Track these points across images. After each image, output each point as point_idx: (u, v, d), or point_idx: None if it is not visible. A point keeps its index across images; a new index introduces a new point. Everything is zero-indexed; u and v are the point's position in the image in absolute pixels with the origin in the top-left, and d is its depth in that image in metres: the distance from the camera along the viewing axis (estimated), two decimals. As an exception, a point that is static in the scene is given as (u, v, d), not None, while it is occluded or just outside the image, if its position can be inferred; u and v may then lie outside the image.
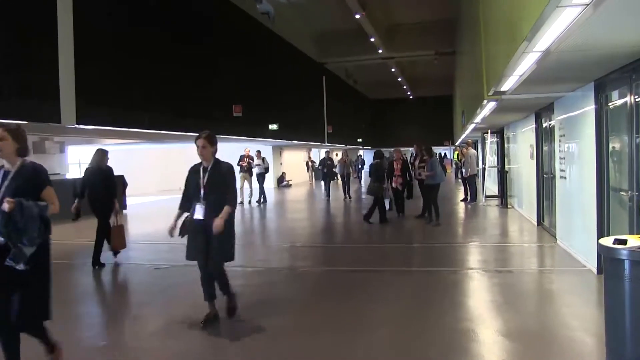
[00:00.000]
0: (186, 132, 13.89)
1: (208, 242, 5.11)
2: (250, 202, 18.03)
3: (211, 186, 5.10)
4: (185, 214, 5.26)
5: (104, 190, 8.13)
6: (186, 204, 5.27)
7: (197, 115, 14.24)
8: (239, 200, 14.82)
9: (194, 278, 7.81)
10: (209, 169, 5.22)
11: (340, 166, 19.79)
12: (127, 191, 17.01)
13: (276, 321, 5.46)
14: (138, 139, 15.91)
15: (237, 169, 16.66)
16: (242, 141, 20.59)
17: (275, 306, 6.03)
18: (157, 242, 10.65)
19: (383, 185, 12.20)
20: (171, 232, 5.20)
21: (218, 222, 4.93)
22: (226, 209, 5.01)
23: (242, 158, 17.54)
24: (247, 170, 17.45)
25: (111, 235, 8.35)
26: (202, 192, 5.12)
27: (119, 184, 16.46)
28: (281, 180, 28.11)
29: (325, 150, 20.89)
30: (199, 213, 5.09)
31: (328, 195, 19.30)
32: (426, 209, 12.30)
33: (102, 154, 8.30)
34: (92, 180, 8.15)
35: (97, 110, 10.34)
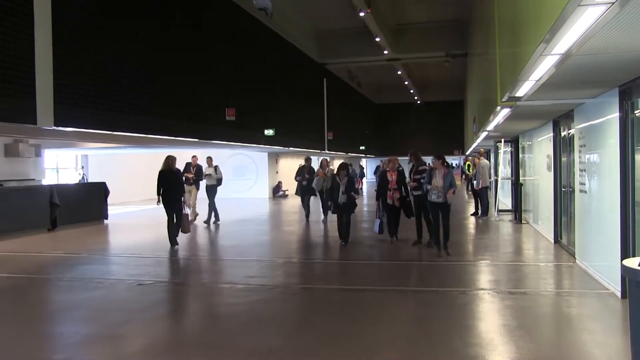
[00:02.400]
0: (175, 136, 13.87)
1: None
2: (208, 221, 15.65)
3: None
4: None
5: (175, 187, 11.31)
6: None
7: (187, 119, 14.21)
8: (190, 217, 13.99)
9: (180, 294, 7.84)
10: None
11: (317, 181, 15.16)
12: (110, 199, 17.05)
13: (269, 342, 5.41)
14: (123, 143, 15.87)
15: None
16: (235, 147, 20.60)
17: (268, 326, 5.98)
18: (141, 256, 10.60)
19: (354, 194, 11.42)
20: None
21: None
22: None
23: (188, 168, 15.51)
24: (193, 183, 15.53)
25: (182, 221, 11.51)
26: None
27: (101, 191, 16.50)
28: (277, 190, 28.08)
29: (323, 157, 16.61)
30: None
31: (307, 215, 16.25)
32: (421, 233, 11.10)
33: (172, 159, 11.37)
34: (166, 180, 11.19)
35: (77, 110, 10.30)
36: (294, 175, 16.56)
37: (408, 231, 11.68)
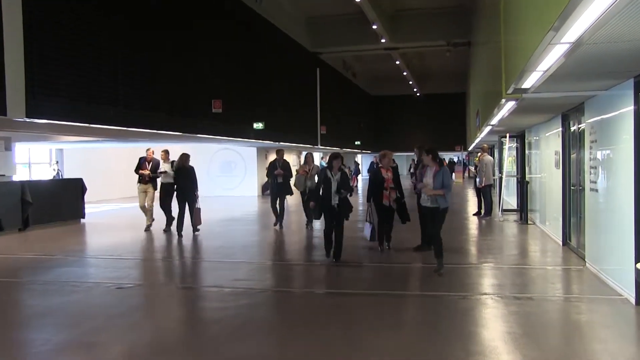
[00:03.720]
0: (158, 129, 13.80)
1: None
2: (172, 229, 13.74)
3: None
4: None
5: (189, 184, 13.12)
6: None
7: (170, 111, 14.15)
8: (147, 222, 13.93)
9: (162, 299, 7.80)
10: None
11: (297, 179, 13.90)
12: (87, 197, 16.96)
13: (256, 350, 5.38)
14: (102, 136, 15.79)
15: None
16: (222, 141, 20.54)
17: (256, 332, 5.95)
18: (121, 258, 10.54)
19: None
20: None
21: None
22: None
23: (141, 163, 14.08)
24: (148, 181, 13.98)
25: (194, 214, 13.15)
26: None
27: (78, 188, 16.40)
28: (266, 188, 28.00)
29: (306, 153, 14.09)
30: None
31: (281, 220, 14.43)
32: (428, 239, 10.09)
33: (186, 157, 13.32)
34: (181, 176, 13.17)
35: (52, 101, 10.22)
36: (266, 173, 14.76)
37: (402, 236, 11.64)
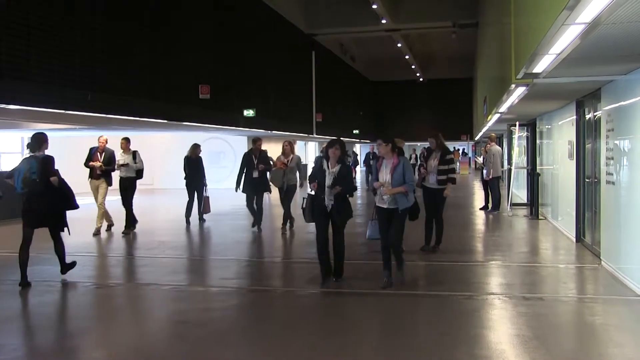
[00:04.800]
0: (139, 116, 13.74)
1: None
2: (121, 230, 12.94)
3: None
4: None
5: (197, 173, 14.20)
6: None
7: (153, 97, 14.08)
8: (104, 226, 12.74)
9: (145, 299, 7.77)
10: None
11: (273, 174, 12.73)
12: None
13: (246, 356, 5.37)
14: (77, 124, 15.71)
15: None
16: (210, 130, 20.49)
17: (245, 335, 5.93)
18: (101, 255, 10.52)
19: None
20: None
21: None
22: None
23: (92, 154, 12.53)
24: (102, 175, 12.48)
25: (202, 203, 14.26)
26: None
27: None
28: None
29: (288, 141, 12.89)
30: None
31: (259, 222, 13.11)
32: (439, 237, 10.27)
33: (195, 147, 14.36)
34: (190, 166, 14.23)
35: (23, 85, 10.15)
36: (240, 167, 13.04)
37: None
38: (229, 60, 18.42)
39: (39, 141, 8.24)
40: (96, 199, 12.59)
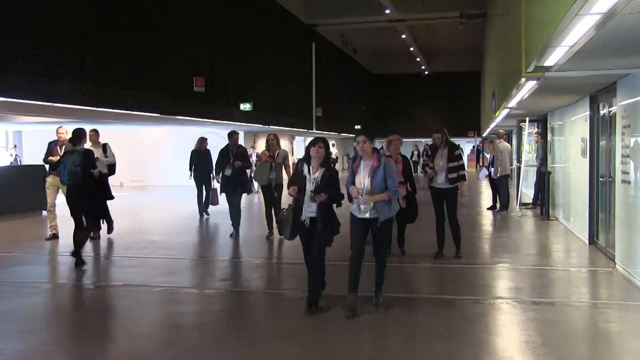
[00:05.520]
0: (131, 109, 13.73)
1: None
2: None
3: None
4: None
5: (206, 166, 14.85)
6: None
7: (145, 89, 14.07)
8: (48, 232, 11.89)
9: (135, 301, 7.75)
10: None
11: (258, 169, 11.80)
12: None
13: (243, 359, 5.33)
14: (66, 117, 15.70)
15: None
16: (205, 124, 20.47)
17: (240, 338, 5.93)
18: (89, 254, 10.50)
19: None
20: None
21: None
22: None
23: (52, 149, 11.65)
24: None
25: (211, 195, 14.74)
26: None
27: (39, 176, 16.29)
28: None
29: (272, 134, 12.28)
30: None
31: (236, 228, 12.20)
32: (458, 243, 9.97)
33: (203, 140, 15.37)
34: (197, 159, 14.99)
35: (6, 76, 10.14)
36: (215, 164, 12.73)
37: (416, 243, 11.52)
38: (225, 51, 18.40)
39: (79, 136, 9.35)
40: (54, 198, 11.68)
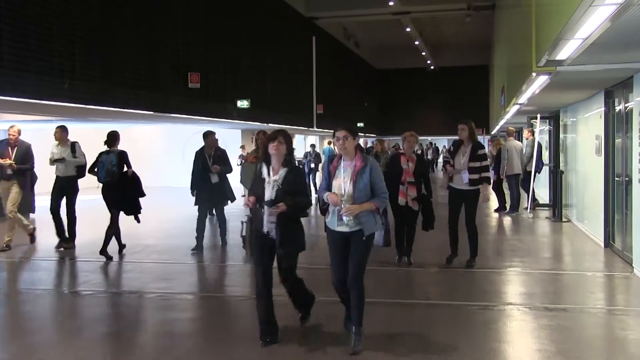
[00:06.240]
0: (122, 107, 13.69)
1: None
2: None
3: None
4: None
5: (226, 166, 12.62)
6: None
7: (137, 86, 14.03)
8: (6, 240, 11.18)
9: (127, 308, 7.73)
10: None
11: (244, 171, 11.76)
12: (37, 188, 16.82)
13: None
14: (54, 115, 15.66)
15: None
16: (201, 122, 20.45)
17: (238, 345, 5.91)
18: (78, 259, 10.55)
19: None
20: None
21: None
22: None
23: (2, 149, 11.08)
24: (14, 175, 11.07)
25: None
26: None
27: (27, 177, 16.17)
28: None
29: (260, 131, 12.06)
30: None
31: (223, 236, 11.63)
32: (475, 250, 9.58)
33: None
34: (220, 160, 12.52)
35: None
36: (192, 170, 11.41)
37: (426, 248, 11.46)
38: (221, 45, 18.38)
39: (113, 138, 10.45)
40: (4, 205, 11.19)
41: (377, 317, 7.04)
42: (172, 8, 15.69)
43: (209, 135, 11.24)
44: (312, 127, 28.63)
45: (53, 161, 11.26)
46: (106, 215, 10.49)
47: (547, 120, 17.78)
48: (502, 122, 22.35)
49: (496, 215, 16.36)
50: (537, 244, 12.34)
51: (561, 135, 16.17)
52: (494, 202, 17.03)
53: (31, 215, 16.24)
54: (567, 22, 5.40)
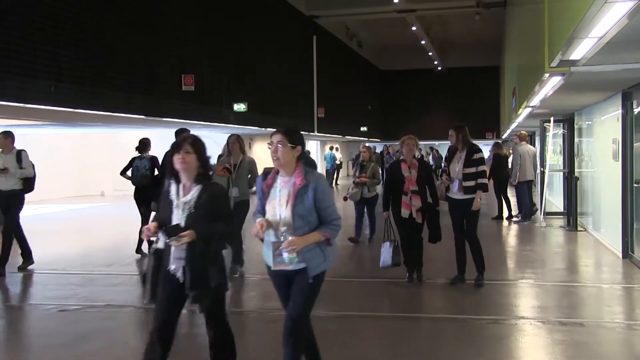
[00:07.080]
0: (113, 111, 13.71)
1: None
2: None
3: None
4: None
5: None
6: None
7: (129, 89, 14.06)
8: None
9: (118, 323, 7.71)
10: None
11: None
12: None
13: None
14: (41, 119, 15.71)
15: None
16: (195, 127, 20.48)
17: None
18: (65, 272, 10.49)
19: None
20: None
21: None
22: None
23: None
24: None
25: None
26: None
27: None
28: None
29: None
30: None
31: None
32: (481, 266, 9.01)
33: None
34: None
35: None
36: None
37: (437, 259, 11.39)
38: (217, 46, 18.43)
39: (144, 144, 11.75)
40: None
41: (382, 330, 7.04)
42: (165, 7, 15.72)
43: (181, 133, 9.64)
44: (313, 132, 28.65)
45: None
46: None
47: (561, 124, 17.78)
48: (513, 126, 22.35)
49: (506, 223, 16.36)
50: (551, 254, 12.33)
51: (576, 140, 16.17)
52: (492, 210, 17.09)
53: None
54: (581, 19, 5.40)
